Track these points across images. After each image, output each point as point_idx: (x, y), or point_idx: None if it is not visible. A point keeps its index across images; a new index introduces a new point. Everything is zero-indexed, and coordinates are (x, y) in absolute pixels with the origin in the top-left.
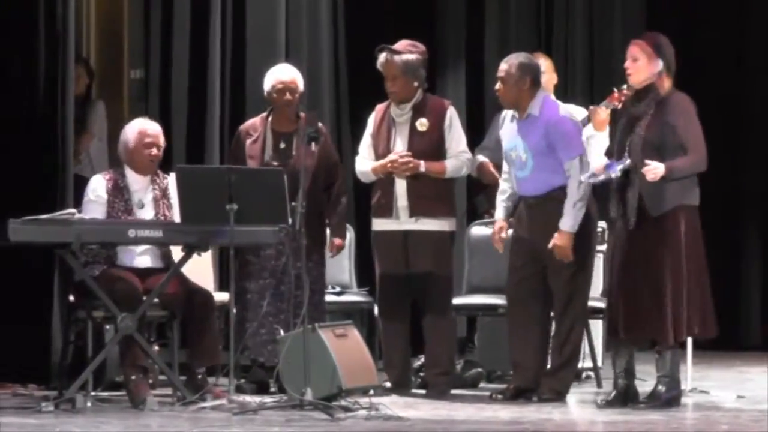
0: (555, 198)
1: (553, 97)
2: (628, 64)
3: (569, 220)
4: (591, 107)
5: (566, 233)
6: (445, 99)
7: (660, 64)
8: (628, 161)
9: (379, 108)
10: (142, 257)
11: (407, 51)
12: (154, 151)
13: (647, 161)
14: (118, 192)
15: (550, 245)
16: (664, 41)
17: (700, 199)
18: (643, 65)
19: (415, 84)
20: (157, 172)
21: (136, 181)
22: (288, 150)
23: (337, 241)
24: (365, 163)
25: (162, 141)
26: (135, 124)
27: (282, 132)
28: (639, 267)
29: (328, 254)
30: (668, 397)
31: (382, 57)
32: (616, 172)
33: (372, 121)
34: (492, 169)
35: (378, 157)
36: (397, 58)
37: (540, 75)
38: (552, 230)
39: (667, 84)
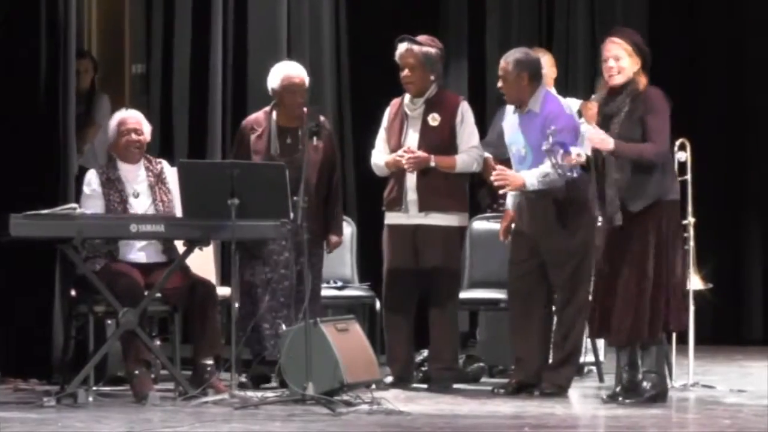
0: (554, 193)
1: (554, 91)
2: (612, 63)
3: (530, 178)
4: (582, 102)
5: (521, 180)
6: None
7: (639, 62)
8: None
9: (395, 102)
10: (143, 252)
11: (427, 44)
12: (134, 136)
13: (596, 128)
14: (111, 184)
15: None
16: (639, 39)
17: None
18: (626, 64)
19: (432, 78)
20: (149, 159)
21: (128, 171)
22: (294, 145)
23: (334, 238)
24: (380, 156)
25: (144, 128)
26: (116, 115)
27: (287, 127)
28: (618, 265)
29: (325, 251)
30: (653, 393)
31: (402, 47)
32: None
33: (387, 115)
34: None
35: (391, 150)
36: (417, 48)
37: (540, 69)
38: (551, 225)
39: (644, 80)
